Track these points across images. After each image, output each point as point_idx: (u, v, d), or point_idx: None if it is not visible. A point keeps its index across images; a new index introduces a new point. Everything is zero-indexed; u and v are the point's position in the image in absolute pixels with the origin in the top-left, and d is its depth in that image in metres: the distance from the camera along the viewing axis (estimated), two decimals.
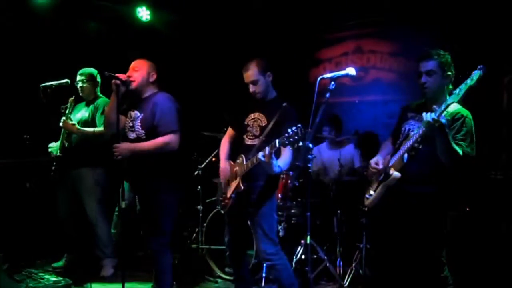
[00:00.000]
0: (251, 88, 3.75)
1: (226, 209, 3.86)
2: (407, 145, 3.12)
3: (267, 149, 3.35)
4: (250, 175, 3.65)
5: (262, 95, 3.78)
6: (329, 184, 5.29)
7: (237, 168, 3.75)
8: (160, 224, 3.84)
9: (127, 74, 3.90)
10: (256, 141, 3.72)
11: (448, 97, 2.96)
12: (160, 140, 3.74)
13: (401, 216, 3.23)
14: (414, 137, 3.08)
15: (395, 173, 3.14)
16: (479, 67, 2.81)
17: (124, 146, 3.74)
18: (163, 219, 3.85)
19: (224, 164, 3.89)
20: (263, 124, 3.73)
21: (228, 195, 3.79)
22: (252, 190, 3.70)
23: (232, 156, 3.99)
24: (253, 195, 3.70)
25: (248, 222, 3.83)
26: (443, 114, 2.87)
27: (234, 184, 3.75)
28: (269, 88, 3.82)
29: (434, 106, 2.93)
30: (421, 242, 3.16)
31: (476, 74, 2.80)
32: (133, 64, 3.96)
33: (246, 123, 3.84)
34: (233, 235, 3.91)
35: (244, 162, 3.65)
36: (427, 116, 2.90)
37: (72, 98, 4.93)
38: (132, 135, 3.89)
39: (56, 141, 4.96)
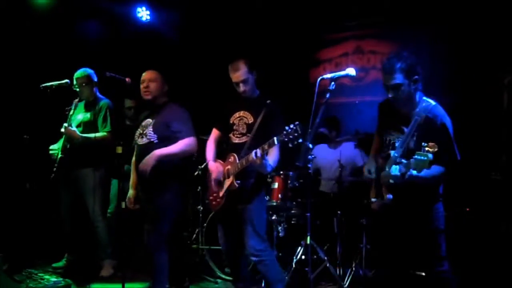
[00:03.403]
0: (241, 87, 3.78)
1: (218, 209, 3.86)
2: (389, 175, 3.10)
3: (258, 151, 3.42)
4: (243, 173, 3.68)
5: (249, 93, 3.83)
6: (327, 183, 5.31)
7: (229, 167, 3.76)
8: (159, 224, 3.89)
9: (144, 85, 4.01)
10: (244, 139, 3.77)
11: (420, 117, 3.00)
12: (183, 142, 3.87)
13: (398, 218, 3.23)
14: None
15: (388, 196, 3.14)
16: (431, 151, 2.75)
17: (144, 163, 3.80)
18: (162, 219, 3.90)
19: (213, 165, 3.90)
20: (250, 122, 3.78)
21: (221, 194, 3.80)
22: (244, 188, 3.73)
23: (219, 155, 4.04)
24: (244, 192, 3.73)
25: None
26: (410, 169, 2.86)
27: (227, 183, 3.76)
28: (254, 86, 3.88)
29: (403, 161, 2.96)
30: (419, 239, 3.17)
31: (427, 159, 2.74)
32: (147, 75, 4.06)
33: (231, 122, 3.88)
34: (227, 235, 3.93)
35: (237, 161, 3.67)
36: (394, 170, 2.95)
37: (77, 100, 4.94)
38: (142, 141, 3.97)
39: (55, 142, 4.96)
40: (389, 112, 3.34)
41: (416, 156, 2.78)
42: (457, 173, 3.14)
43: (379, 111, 3.48)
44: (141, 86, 4.03)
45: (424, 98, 3.17)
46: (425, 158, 2.74)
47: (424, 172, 2.87)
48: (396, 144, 3.17)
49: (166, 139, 3.89)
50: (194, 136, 3.95)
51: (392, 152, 3.13)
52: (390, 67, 3.08)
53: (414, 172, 2.89)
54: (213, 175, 3.84)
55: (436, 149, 2.75)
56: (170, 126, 3.91)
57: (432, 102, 3.13)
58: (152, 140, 3.93)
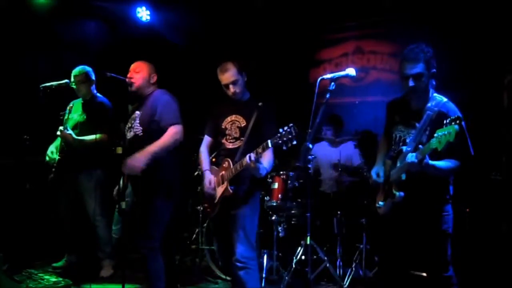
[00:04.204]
0: (232, 89, 3.70)
1: (213, 215, 3.80)
2: (402, 166, 3.08)
3: (252, 155, 3.38)
4: (237, 178, 3.61)
5: (240, 96, 3.76)
6: (327, 183, 5.32)
7: (223, 172, 3.70)
8: (150, 228, 3.78)
9: (128, 76, 3.91)
10: (237, 144, 3.70)
11: (432, 112, 2.97)
12: (168, 134, 3.68)
13: (405, 218, 3.21)
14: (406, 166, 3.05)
15: (399, 194, 3.11)
16: (454, 118, 2.72)
17: (134, 160, 3.61)
18: (153, 223, 3.78)
19: (208, 174, 3.81)
20: (242, 125, 3.71)
21: (215, 201, 3.73)
22: (238, 193, 3.66)
23: (211, 161, 4.00)
24: (238, 197, 3.66)
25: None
26: (426, 154, 2.86)
27: (221, 189, 3.69)
28: (245, 88, 3.81)
29: (420, 147, 2.93)
30: (425, 241, 3.16)
31: (453, 130, 2.70)
32: (133, 66, 3.97)
33: (223, 127, 3.80)
34: (222, 241, 3.85)
35: (231, 166, 3.62)
36: (410, 158, 2.91)
37: (71, 105, 4.93)
38: (129, 134, 3.88)
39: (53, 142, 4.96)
40: (399, 109, 3.33)
41: (438, 133, 2.74)
42: (467, 169, 3.13)
43: (388, 110, 3.46)
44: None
45: (435, 94, 3.17)
46: (451, 130, 2.69)
47: (440, 164, 2.89)
48: (408, 140, 3.16)
49: (151, 131, 3.75)
50: (179, 123, 3.75)
51: (404, 148, 3.11)
52: (414, 56, 3.10)
53: (432, 162, 2.88)
54: (207, 184, 3.77)
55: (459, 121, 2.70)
56: (154, 114, 3.76)
57: (444, 99, 3.12)
58: (137, 132, 3.80)
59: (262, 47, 6.61)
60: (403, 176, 3.06)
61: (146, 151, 3.63)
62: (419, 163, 2.88)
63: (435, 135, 2.77)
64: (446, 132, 2.72)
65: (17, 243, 4.94)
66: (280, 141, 3.22)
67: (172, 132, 3.69)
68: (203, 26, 6.71)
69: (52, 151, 4.90)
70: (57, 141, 4.94)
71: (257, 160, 3.41)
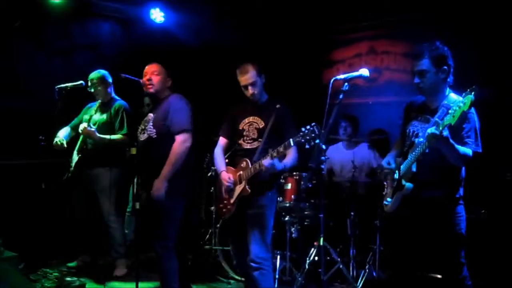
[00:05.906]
0: (250, 90, 3.73)
1: (229, 216, 3.81)
2: (413, 155, 3.09)
3: (268, 159, 3.41)
4: (255, 178, 3.62)
5: (258, 97, 3.78)
6: (340, 184, 5.30)
7: (241, 172, 3.71)
8: (163, 227, 3.84)
9: (147, 77, 3.98)
10: (255, 144, 3.72)
11: (449, 109, 2.91)
12: (175, 146, 3.78)
13: (417, 220, 3.20)
14: (419, 150, 3.04)
15: (408, 184, 3.12)
16: (471, 88, 2.71)
17: (155, 189, 3.74)
18: (166, 222, 3.85)
19: (225, 174, 3.81)
20: (261, 127, 3.73)
21: (232, 201, 3.75)
22: (256, 193, 3.66)
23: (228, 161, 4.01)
24: (256, 197, 3.67)
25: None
26: (445, 128, 2.83)
27: (239, 189, 3.70)
28: (263, 90, 3.84)
29: (436, 120, 2.90)
30: (438, 244, 3.14)
31: (468, 99, 2.69)
32: (150, 68, 4.03)
33: (241, 128, 3.83)
34: (238, 241, 3.86)
35: (250, 166, 3.63)
36: (429, 132, 2.88)
37: (95, 105, 4.93)
38: (143, 136, 3.93)
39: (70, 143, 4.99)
40: (415, 107, 3.34)
41: (452, 109, 2.73)
42: (473, 171, 3.10)
43: (405, 109, 3.46)
44: (144, 79, 4.00)
45: (452, 93, 3.16)
46: (466, 100, 2.67)
47: (457, 146, 2.88)
48: (420, 134, 3.15)
49: (164, 134, 3.85)
50: (187, 131, 3.85)
51: (416, 140, 3.12)
52: (419, 53, 3.14)
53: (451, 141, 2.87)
54: (225, 184, 3.77)
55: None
56: (166, 119, 3.86)
57: (460, 97, 3.11)
58: (151, 135, 3.89)
59: (274, 48, 6.60)
60: (414, 168, 3.07)
61: (161, 176, 3.75)
62: (440, 134, 2.82)
63: (450, 111, 2.77)
64: (461, 104, 2.70)
65: (32, 243, 4.99)
66: (302, 140, 3.24)
67: (180, 142, 3.80)
68: (216, 28, 6.71)
69: (65, 140, 4.86)
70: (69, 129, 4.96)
71: (272, 157, 3.43)
